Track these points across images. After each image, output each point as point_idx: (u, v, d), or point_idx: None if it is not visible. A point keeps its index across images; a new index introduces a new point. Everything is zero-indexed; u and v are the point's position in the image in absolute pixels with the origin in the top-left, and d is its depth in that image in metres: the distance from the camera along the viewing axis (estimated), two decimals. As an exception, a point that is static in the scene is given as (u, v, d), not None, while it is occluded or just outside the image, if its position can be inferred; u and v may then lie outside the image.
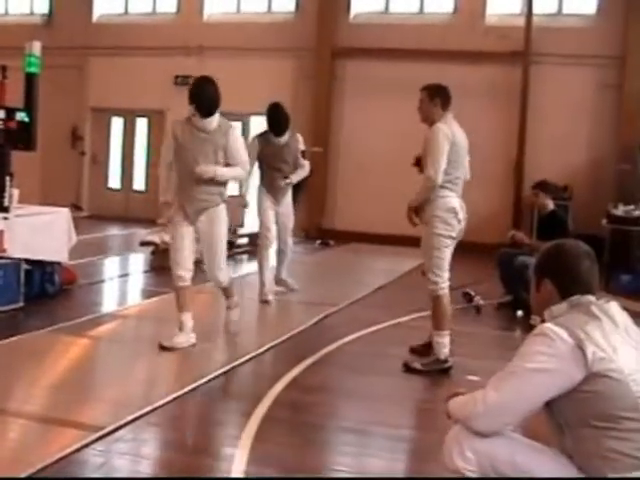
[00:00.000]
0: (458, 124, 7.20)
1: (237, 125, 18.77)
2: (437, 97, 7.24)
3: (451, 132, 6.92)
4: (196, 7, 19.10)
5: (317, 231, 16.76)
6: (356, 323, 8.58)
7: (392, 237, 16.42)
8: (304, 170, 9.85)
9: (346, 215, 17.50)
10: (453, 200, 6.91)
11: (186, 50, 18.71)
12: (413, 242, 15.79)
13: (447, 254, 7.09)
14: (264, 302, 9.52)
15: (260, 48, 17.86)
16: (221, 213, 7.29)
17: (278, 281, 10.13)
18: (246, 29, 18.23)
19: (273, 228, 9.77)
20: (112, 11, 20.19)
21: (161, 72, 18.87)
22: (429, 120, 7.24)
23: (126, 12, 20.16)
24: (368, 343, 7.90)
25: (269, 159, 9.55)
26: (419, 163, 7.30)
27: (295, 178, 9.72)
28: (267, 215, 9.71)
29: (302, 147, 9.83)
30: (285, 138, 9.55)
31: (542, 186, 9.96)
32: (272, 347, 7.47)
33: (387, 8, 17.88)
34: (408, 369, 6.82)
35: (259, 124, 19.76)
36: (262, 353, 7.24)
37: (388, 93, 17.01)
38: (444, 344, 6.93)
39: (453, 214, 6.91)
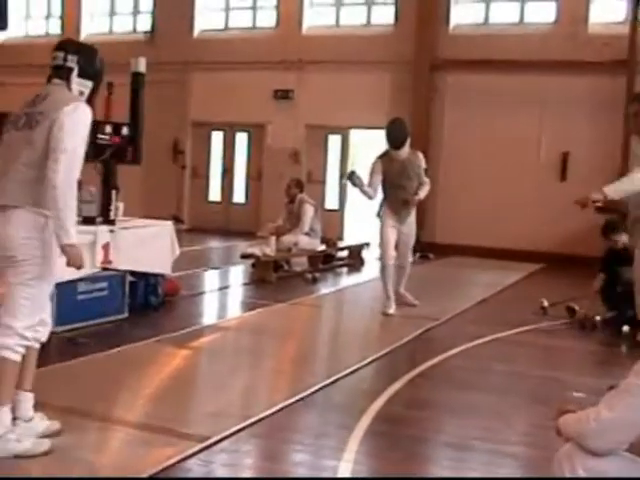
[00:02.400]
0: None
1: (337, 138, 18.94)
2: None
3: None
4: (295, 21, 19.26)
5: (416, 244, 16.62)
6: (458, 337, 8.47)
7: (493, 250, 16.27)
8: (427, 187, 9.83)
9: (446, 228, 17.36)
10: None
11: (285, 64, 18.89)
12: (515, 255, 15.81)
13: None
14: (384, 314, 9.64)
15: (359, 61, 17.91)
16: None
17: (397, 295, 10.11)
18: (345, 42, 18.30)
19: (393, 246, 9.81)
20: (212, 27, 20.52)
21: (261, 86, 19.09)
22: None
23: (226, 27, 20.48)
24: (471, 358, 7.77)
25: (393, 177, 9.59)
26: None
27: (422, 194, 9.74)
28: (388, 234, 9.74)
29: (424, 165, 9.87)
30: (405, 152, 9.60)
31: None
32: (374, 361, 7.41)
33: (487, 19, 17.70)
34: None
35: (358, 137, 20.01)
36: (364, 366, 7.18)
37: (488, 105, 16.88)
38: None
39: None
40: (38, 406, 4.92)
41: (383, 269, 9.85)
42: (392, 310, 9.71)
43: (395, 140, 9.54)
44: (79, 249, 4.58)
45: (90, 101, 4.78)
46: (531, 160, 16.78)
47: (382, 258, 9.89)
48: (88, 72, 4.73)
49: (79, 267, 4.61)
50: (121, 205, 8.74)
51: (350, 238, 17.70)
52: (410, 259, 10.25)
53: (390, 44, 17.92)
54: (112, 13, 22.04)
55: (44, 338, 4.76)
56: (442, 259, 16.11)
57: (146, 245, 8.79)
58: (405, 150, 9.61)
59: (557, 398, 6.24)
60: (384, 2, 18.68)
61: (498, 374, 7.20)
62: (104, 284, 8.38)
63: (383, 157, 9.72)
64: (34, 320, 4.55)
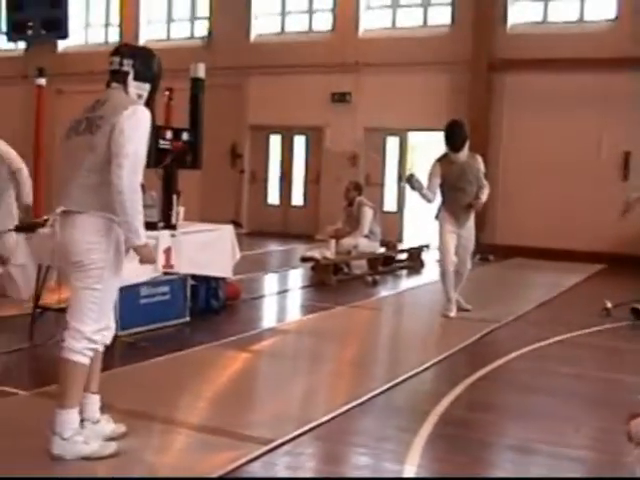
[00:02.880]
0: None
1: (395, 141, 18.90)
2: None
3: None
4: (352, 24, 19.26)
5: (477, 246, 16.49)
6: (520, 340, 8.39)
7: (555, 251, 16.11)
8: (487, 190, 9.72)
9: (507, 229, 17.20)
10: None
11: (342, 67, 18.90)
12: (577, 256, 15.61)
13: None
14: (445, 317, 9.59)
15: (416, 63, 17.85)
16: None
17: None
18: (402, 44, 18.26)
19: (453, 251, 9.68)
20: (269, 31, 20.61)
21: (318, 89, 19.13)
22: None
23: (282, 31, 20.56)
24: (533, 360, 7.69)
25: (452, 180, 9.48)
26: None
27: (484, 197, 9.64)
28: (448, 239, 9.63)
29: (482, 168, 9.73)
30: (464, 155, 9.48)
31: None
32: (435, 364, 7.37)
33: (545, 17, 17.51)
34: None
35: (416, 139, 19.94)
36: (425, 370, 7.15)
37: (547, 104, 16.70)
38: None
39: None
40: (103, 408, 4.99)
41: (443, 274, 9.73)
42: (453, 313, 9.63)
43: (454, 142, 9.43)
44: (150, 247, 4.75)
45: (149, 104, 4.86)
46: (592, 160, 16.56)
47: (442, 264, 9.76)
48: (145, 75, 4.80)
49: (152, 263, 4.97)
50: (182, 210, 8.81)
51: (409, 240, 17.64)
52: (469, 265, 10.06)
53: (447, 45, 17.83)
54: (170, 19, 22.25)
55: (108, 341, 4.84)
56: (502, 261, 15.98)
57: (207, 249, 8.84)
58: (464, 153, 9.49)
59: (623, 401, 6.16)
60: (440, 3, 18.58)
61: (562, 377, 7.12)
62: (166, 288, 8.45)
63: (442, 160, 9.61)
64: (101, 324, 4.64)
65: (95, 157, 4.53)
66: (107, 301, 4.70)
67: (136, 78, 4.76)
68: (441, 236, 9.69)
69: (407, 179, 9.51)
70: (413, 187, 9.38)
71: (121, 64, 4.75)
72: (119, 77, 4.76)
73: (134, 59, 4.77)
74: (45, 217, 7.64)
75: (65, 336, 4.63)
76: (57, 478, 4.41)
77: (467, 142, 9.48)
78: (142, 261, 4.70)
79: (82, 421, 4.70)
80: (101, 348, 4.80)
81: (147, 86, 4.83)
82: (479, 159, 9.73)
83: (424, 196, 9.53)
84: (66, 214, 4.60)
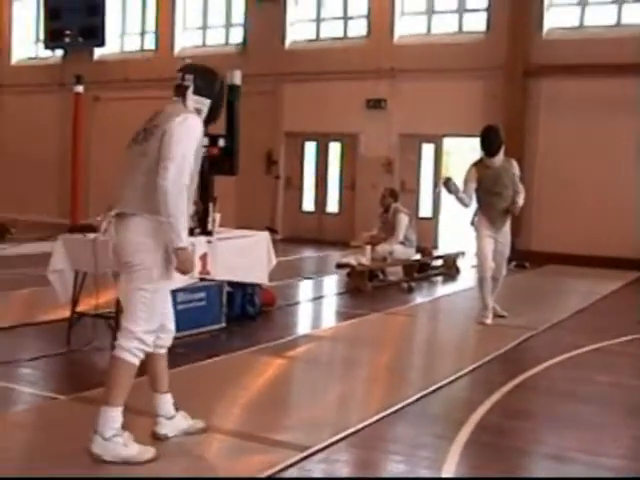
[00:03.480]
0: None
1: (430, 147, 18.89)
2: None
3: None
4: (387, 30, 19.23)
5: (512, 252, 16.42)
6: (557, 347, 8.34)
7: (592, 258, 15.99)
8: (523, 194, 9.67)
9: (543, 236, 17.08)
10: None
11: (377, 73, 18.91)
12: (615, 263, 15.48)
13: None
14: (481, 323, 9.54)
15: (451, 69, 17.81)
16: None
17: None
18: (437, 50, 18.23)
19: (491, 256, 9.64)
20: (304, 37, 20.66)
21: (353, 96, 19.13)
22: None
23: (317, 38, 20.58)
24: (570, 368, 7.64)
25: (488, 184, 9.47)
26: None
27: (520, 201, 9.58)
28: (485, 245, 9.62)
29: (518, 172, 9.71)
30: (500, 159, 9.50)
31: None
32: (471, 371, 7.34)
33: (582, 22, 17.39)
34: None
35: (452, 145, 19.90)
36: (461, 377, 7.13)
37: (584, 110, 16.59)
38: None
39: None
40: (140, 413, 5.03)
41: (481, 281, 9.70)
42: (489, 320, 9.58)
43: (490, 147, 9.44)
44: (190, 253, 4.82)
45: (210, 120, 5.15)
46: (629, 166, 16.39)
47: (480, 269, 9.73)
48: (205, 91, 5.01)
49: (189, 271, 4.89)
50: (218, 216, 8.84)
51: (445, 247, 17.59)
52: (504, 271, 9.99)
53: (482, 51, 17.76)
54: (205, 26, 22.35)
55: (168, 343, 5.12)
56: (538, 268, 15.88)
57: (243, 255, 8.87)
58: (500, 157, 9.50)
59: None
60: (476, 9, 18.51)
61: (599, 385, 7.07)
62: (202, 294, 8.50)
63: (478, 164, 9.62)
64: (153, 325, 4.80)
65: (147, 161, 4.75)
66: (158, 302, 4.82)
67: (195, 92, 4.97)
68: (479, 241, 9.69)
69: (444, 182, 9.53)
70: (450, 190, 9.41)
71: (183, 79, 4.99)
72: (179, 90, 5.00)
73: (195, 74, 5.00)
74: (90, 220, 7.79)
75: (118, 336, 4.82)
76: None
77: (503, 147, 9.50)
78: (179, 266, 4.77)
79: (157, 416, 5.09)
80: (161, 351, 5.05)
81: (207, 102, 5.02)
82: (514, 163, 9.72)
83: (461, 200, 9.53)
84: (120, 216, 4.81)
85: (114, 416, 4.64)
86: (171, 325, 5.10)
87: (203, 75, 5.05)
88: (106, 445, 4.60)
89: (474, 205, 9.76)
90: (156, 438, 5.05)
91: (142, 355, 4.77)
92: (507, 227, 9.82)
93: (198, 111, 4.98)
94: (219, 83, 5.14)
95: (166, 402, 5.11)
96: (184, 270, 4.82)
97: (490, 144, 9.44)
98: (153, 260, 4.74)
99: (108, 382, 4.76)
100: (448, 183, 9.40)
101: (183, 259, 4.74)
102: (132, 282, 4.77)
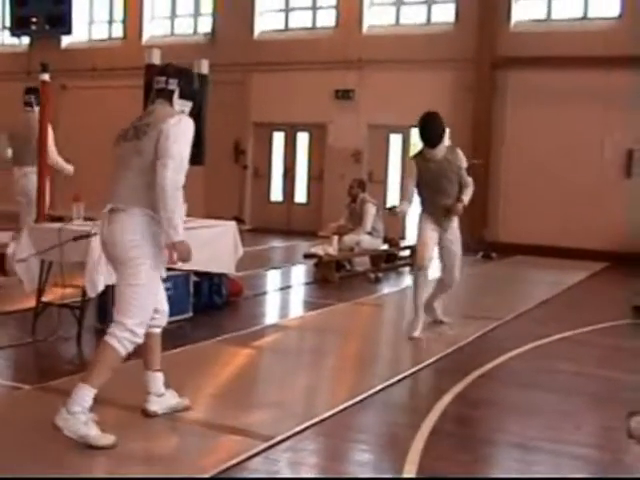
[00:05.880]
0: None
1: (398, 138, 18.89)
2: None
3: None
4: (355, 21, 19.24)
5: (479, 243, 16.53)
6: (521, 337, 8.40)
7: (559, 249, 16.13)
8: (470, 189, 8.52)
9: (510, 227, 17.21)
10: None
11: (346, 64, 18.91)
12: (581, 254, 15.62)
13: None
14: (410, 338, 8.25)
15: (419, 60, 17.87)
16: None
17: (427, 308, 8.86)
18: (405, 41, 18.27)
19: (432, 246, 8.48)
20: (272, 27, 20.60)
21: (322, 86, 19.13)
22: None
23: (286, 28, 20.53)
24: (534, 358, 7.70)
25: (429, 179, 8.34)
26: None
27: (466, 199, 8.43)
28: (426, 232, 8.46)
29: (464, 164, 8.54)
30: (442, 150, 8.34)
31: None
32: (437, 360, 7.39)
33: (549, 15, 17.50)
34: None
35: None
36: (426, 366, 7.17)
37: (551, 102, 16.69)
38: None
39: None
40: (104, 403, 5.03)
41: (416, 276, 8.51)
42: (418, 332, 8.30)
43: (430, 136, 8.25)
44: (187, 244, 4.97)
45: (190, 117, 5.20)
46: (595, 157, 16.54)
47: (416, 259, 8.54)
48: (188, 93, 5.21)
49: (189, 260, 5.04)
50: (185, 206, 8.79)
51: (412, 237, 17.62)
52: (457, 274, 8.71)
53: (451, 42, 17.82)
54: (173, 15, 22.25)
55: (162, 323, 5.35)
56: (505, 258, 15.99)
57: (210, 245, 8.84)
58: (442, 148, 8.34)
59: (623, 399, 6.19)
60: (444, 0, 18.57)
61: (564, 374, 7.13)
62: (169, 284, 8.35)
63: (417, 157, 8.52)
64: (145, 316, 4.97)
65: (142, 160, 4.89)
66: (150, 294, 4.98)
67: (181, 96, 5.15)
68: (419, 230, 8.55)
69: (389, 211, 8.69)
70: (396, 215, 8.56)
71: (167, 83, 5.12)
72: (165, 95, 5.13)
73: (179, 78, 5.15)
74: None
75: (111, 326, 4.93)
76: (55, 478, 4.42)
77: (446, 136, 8.47)
78: (179, 257, 4.95)
79: (148, 394, 5.33)
80: (157, 330, 5.31)
81: (189, 103, 5.24)
82: (459, 153, 8.52)
83: (404, 212, 8.61)
84: (113, 212, 4.94)
85: (85, 394, 4.73)
86: (164, 306, 5.32)
87: (186, 78, 5.22)
88: (68, 419, 4.67)
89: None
90: (146, 415, 5.29)
91: (131, 347, 4.91)
92: (455, 223, 8.63)
93: (182, 112, 5.13)
94: (197, 83, 5.38)
95: (157, 379, 5.34)
96: (184, 259, 4.99)
97: (430, 133, 8.26)
98: (144, 255, 4.88)
99: (92, 363, 4.98)
100: (393, 210, 8.55)
101: (182, 250, 4.92)
102: (124, 277, 4.92)
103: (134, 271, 4.87)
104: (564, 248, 16.19)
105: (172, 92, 5.12)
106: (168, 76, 5.13)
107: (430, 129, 8.28)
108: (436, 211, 8.43)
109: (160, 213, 4.80)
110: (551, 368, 7.35)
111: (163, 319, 5.33)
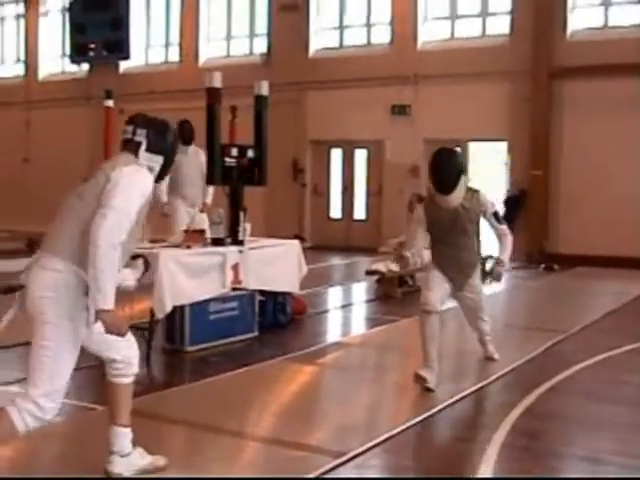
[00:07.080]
0: None
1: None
2: None
3: None
4: (410, 36, 19.27)
5: (540, 255, 16.41)
6: (588, 349, 8.32)
7: (621, 259, 15.90)
8: (509, 239, 7.21)
9: (570, 238, 17.03)
10: None
11: (401, 79, 18.93)
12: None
13: None
14: (427, 389, 6.74)
15: (475, 73, 17.81)
16: None
17: (480, 342, 7.83)
18: (460, 55, 18.24)
19: (440, 294, 7.00)
20: (327, 45, 20.75)
21: (378, 102, 19.16)
22: None
23: (341, 46, 20.65)
24: (603, 370, 7.63)
25: (440, 230, 6.97)
26: None
27: (507, 256, 7.23)
28: (434, 278, 7.04)
29: (490, 208, 7.08)
30: (457, 197, 6.81)
31: None
32: (503, 375, 7.35)
33: (606, 23, 17.35)
34: None
35: (478, 149, 19.83)
36: (493, 381, 7.15)
37: (609, 110, 16.54)
38: None
39: None
40: (175, 423, 5.08)
41: (422, 321, 6.95)
42: (432, 384, 6.73)
43: (442, 181, 6.74)
44: (117, 315, 4.15)
45: (160, 177, 4.55)
46: (657, 166, 16.35)
47: (420, 305, 6.98)
48: (158, 146, 4.44)
49: (122, 334, 4.21)
50: (248, 226, 8.91)
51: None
52: (486, 318, 7.59)
53: (507, 54, 17.76)
54: (229, 37, 22.51)
55: (129, 372, 4.54)
56: (567, 270, 15.84)
57: (274, 264, 8.95)
58: (457, 195, 6.78)
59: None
60: (499, 12, 18.51)
61: (633, 386, 7.06)
62: (234, 304, 8.57)
63: (428, 204, 7.08)
64: (54, 387, 4.15)
65: (82, 205, 4.22)
66: (56, 359, 4.14)
67: (148, 149, 4.41)
68: (428, 276, 7.19)
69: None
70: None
71: (134, 133, 4.43)
72: (130, 146, 4.43)
73: (148, 129, 4.44)
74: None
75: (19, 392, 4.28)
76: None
77: (462, 180, 6.78)
78: (107, 330, 4.12)
79: (111, 454, 4.56)
80: (124, 380, 4.54)
81: (160, 159, 4.46)
82: (483, 198, 6.98)
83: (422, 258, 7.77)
84: (38, 260, 4.23)
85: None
86: (131, 353, 4.53)
87: (157, 129, 4.48)
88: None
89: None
90: (109, 478, 4.53)
91: (33, 424, 4.14)
92: (476, 280, 7.32)
93: (150, 169, 4.41)
94: (171, 136, 4.56)
95: (122, 437, 4.54)
96: (113, 332, 4.14)
97: (443, 176, 6.73)
98: (54, 314, 4.11)
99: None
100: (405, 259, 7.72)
101: (110, 322, 4.09)
102: (34, 335, 4.16)
103: (41, 329, 4.10)
104: (627, 258, 15.98)
105: (139, 144, 4.38)
106: (136, 126, 4.43)
107: (443, 171, 6.74)
108: (447, 267, 7.04)
109: (89, 271, 4.03)
110: (620, 380, 7.28)
111: (129, 368, 4.51)
